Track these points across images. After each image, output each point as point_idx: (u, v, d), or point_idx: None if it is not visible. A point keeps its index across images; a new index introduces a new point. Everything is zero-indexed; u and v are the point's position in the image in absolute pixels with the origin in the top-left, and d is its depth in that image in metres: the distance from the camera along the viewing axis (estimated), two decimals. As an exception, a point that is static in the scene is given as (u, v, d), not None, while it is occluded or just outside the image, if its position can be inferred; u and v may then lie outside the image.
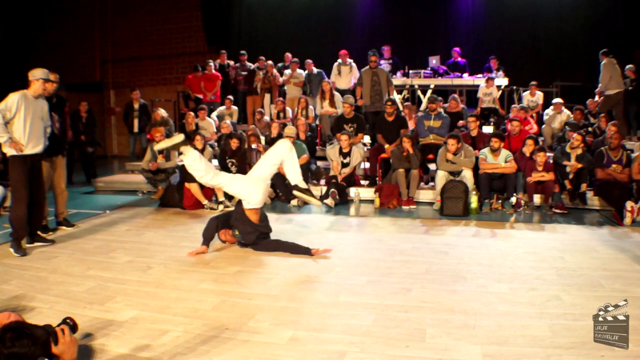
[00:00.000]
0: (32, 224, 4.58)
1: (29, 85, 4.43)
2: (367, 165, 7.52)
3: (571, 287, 3.47)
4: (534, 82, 9.10)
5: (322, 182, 7.31)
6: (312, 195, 4.66)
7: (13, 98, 4.29)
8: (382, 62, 9.85)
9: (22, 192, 4.37)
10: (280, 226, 5.54)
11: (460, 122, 8.03)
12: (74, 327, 2.24)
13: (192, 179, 6.33)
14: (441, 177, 6.38)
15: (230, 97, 9.69)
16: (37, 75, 4.42)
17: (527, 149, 6.43)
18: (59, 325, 2.15)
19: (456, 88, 9.72)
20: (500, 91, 9.47)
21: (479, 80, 9.49)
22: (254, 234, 4.43)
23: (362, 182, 7.44)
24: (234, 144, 7.11)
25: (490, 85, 9.14)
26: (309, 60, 9.71)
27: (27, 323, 1.99)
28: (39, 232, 4.81)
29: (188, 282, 3.67)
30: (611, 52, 8.62)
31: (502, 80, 9.51)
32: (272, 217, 5.96)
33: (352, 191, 6.90)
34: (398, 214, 6.17)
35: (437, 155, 6.56)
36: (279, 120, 8.69)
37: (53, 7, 13.64)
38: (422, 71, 9.61)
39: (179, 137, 4.31)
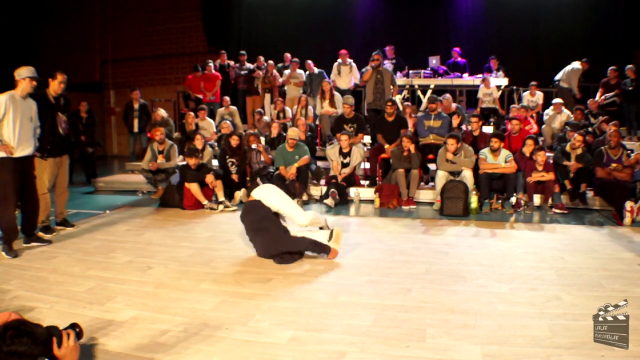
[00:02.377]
0: (27, 224, 4.56)
1: (16, 85, 4.32)
2: (367, 165, 7.52)
3: (571, 287, 3.47)
4: (534, 82, 9.10)
5: (322, 182, 7.31)
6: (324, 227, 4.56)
7: (0, 100, 4.19)
8: (385, 62, 9.85)
9: (9, 195, 4.29)
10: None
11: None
12: (79, 334, 2.24)
13: (192, 179, 6.36)
14: (441, 177, 6.38)
15: (227, 97, 9.68)
16: (23, 74, 4.30)
17: (527, 149, 6.44)
18: (65, 329, 2.15)
19: (456, 88, 9.73)
20: (500, 91, 9.47)
21: (479, 80, 9.49)
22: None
23: (362, 182, 7.44)
24: (234, 141, 7.11)
25: (488, 85, 9.14)
26: (310, 61, 9.72)
27: (28, 322, 1.99)
28: (40, 233, 4.81)
29: (188, 282, 3.67)
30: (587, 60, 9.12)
31: (502, 80, 9.51)
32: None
33: (352, 191, 6.90)
34: (398, 214, 6.17)
35: (437, 155, 6.57)
36: (279, 120, 8.69)
37: (53, 7, 13.65)
38: (422, 71, 9.61)
39: None
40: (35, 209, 4.64)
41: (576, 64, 9.11)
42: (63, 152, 5.14)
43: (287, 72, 9.83)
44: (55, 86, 4.87)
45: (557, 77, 9.30)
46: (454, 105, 8.40)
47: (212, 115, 9.48)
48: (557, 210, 6.05)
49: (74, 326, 2.24)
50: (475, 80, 9.53)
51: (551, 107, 8.56)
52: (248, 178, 7.21)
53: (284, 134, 7.64)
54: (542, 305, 3.13)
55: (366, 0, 11.80)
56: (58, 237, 4.96)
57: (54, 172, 5.07)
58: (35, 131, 4.55)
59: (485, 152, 6.50)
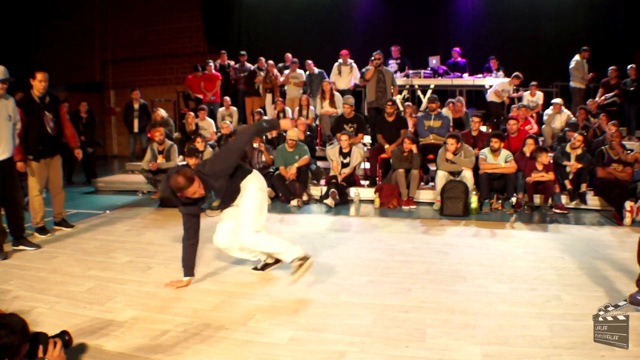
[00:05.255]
0: (13, 226, 4.51)
1: None
2: (367, 165, 7.52)
3: (571, 287, 3.47)
4: (534, 82, 9.09)
5: (322, 182, 7.31)
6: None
7: None
8: (390, 61, 9.86)
9: None
10: (280, 226, 5.54)
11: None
12: (68, 342, 2.21)
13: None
14: (441, 177, 6.38)
15: (227, 97, 9.67)
16: None
17: (527, 149, 6.44)
18: (55, 337, 2.13)
19: (456, 88, 9.73)
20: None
21: (479, 80, 9.48)
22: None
23: (362, 182, 7.44)
24: (234, 142, 7.10)
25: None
26: (310, 61, 9.72)
27: (1, 313, 1.97)
28: (35, 234, 4.82)
29: (188, 282, 3.66)
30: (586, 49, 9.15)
31: (510, 90, 9.48)
32: (272, 217, 5.99)
33: (352, 191, 6.90)
34: (398, 214, 6.17)
35: (437, 155, 6.57)
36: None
37: (53, 7, 13.65)
38: (422, 71, 9.61)
39: None
40: (18, 212, 4.57)
41: (575, 58, 9.13)
42: (54, 152, 5.09)
43: (287, 72, 9.83)
44: (37, 85, 4.79)
45: (575, 85, 9.31)
46: (464, 109, 8.41)
47: (212, 116, 9.48)
48: (557, 210, 6.04)
49: (63, 334, 2.22)
50: (476, 80, 9.52)
51: (551, 107, 8.55)
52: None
53: (284, 134, 7.64)
54: (542, 305, 3.13)
55: (366, 0, 11.80)
56: (58, 237, 4.96)
57: (45, 173, 5.02)
58: (14, 128, 4.45)
59: (485, 152, 6.50)
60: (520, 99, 9.26)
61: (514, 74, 9.01)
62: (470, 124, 7.44)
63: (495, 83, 9.28)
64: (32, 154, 4.84)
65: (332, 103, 8.75)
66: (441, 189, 6.21)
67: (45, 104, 4.94)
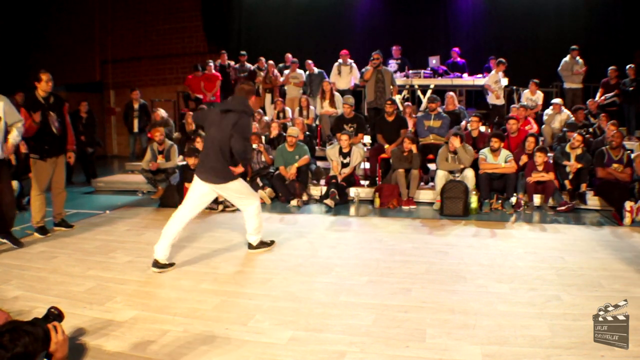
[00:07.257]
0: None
1: None
2: (367, 165, 7.53)
3: (571, 287, 3.47)
4: (535, 80, 9.07)
5: (322, 182, 7.31)
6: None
7: None
8: (391, 61, 9.86)
9: None
10: (280, 226, 5.54)
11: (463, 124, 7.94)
12: (60, 316, 2.21)
13: (192, 179, 6.34)
14: (441, 177, 6.39)
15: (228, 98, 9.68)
16: None
17: (528, 148, 6.46)
18: (46, 317, 2.13)
19: (456, 88, 9.72)
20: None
21: (479, 80, 9.48)
22: None
23: (362, 182, 7.44)
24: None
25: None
26: (309, 61, 9.73)
27: (20, 321, 1.98)
28: (35, 234, 4.85)
29: (188, 282, 3.67)
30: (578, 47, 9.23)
31: (501, 81, 9.49)
32: (272, 217, 6.00)
33: (352, 191, 6.90)
34: (398, 214, 6.17)
35: (437, 155, 6.57)
36: (279, 120, 8.70)
37: (53, 7, 13.65)
38: (422, 71, 9.60)
39: None
40: (8, 211, 4.54)
41: (564, 60, 9.19)
42: (59, 152, 5.13)
43: (287, 72, 9.83)
44: (44, 86, 4.85)
45: (569, 85, 9.40)
46: (457, 105, 8.39)
47: (212, 116, 9.46)
48: (562, 209, 6.02)
49: (51, 311, 2.19)
50: (475, 80, 9.52)
51: (551, 107, 8.55)
52: (248, 178, 7.21)
53: (284, 134, 7.64)
54: (542, 305, 3.13)
55: (366, 0, 11.80)
56: (58, 237, 4.96)
57: (49, 173, 5.06)
58: (6, 129, 4.43)
59: (485, 152, 6.50)
60: (520, 98, 9.26)
61: (497, 60, 8.98)
62: (467, 118, 7.44)
63: (483, 83, 9.18)
64: (38, 153, 4.88)
65: (332, 103, 8.76)
66: (441, 189, 6.21)
67: (50, 104, 4.99)
